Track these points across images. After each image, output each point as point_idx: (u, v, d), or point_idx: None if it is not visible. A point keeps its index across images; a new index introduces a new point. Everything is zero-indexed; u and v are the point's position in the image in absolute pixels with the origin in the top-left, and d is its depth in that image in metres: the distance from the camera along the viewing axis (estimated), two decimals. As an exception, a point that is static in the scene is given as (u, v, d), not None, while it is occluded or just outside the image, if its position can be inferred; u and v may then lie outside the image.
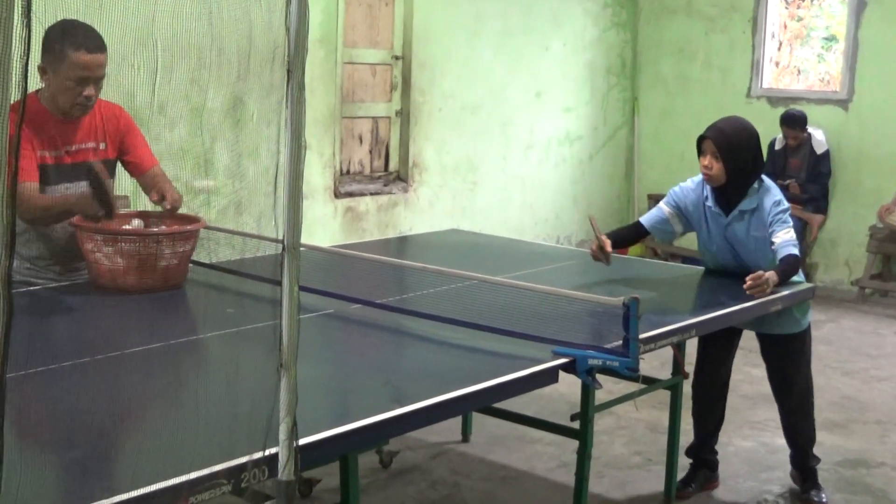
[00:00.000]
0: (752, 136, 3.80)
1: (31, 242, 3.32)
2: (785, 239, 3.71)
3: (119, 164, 3.53)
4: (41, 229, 3.31)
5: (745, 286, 3.58)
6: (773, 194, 3.82)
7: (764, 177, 3.86)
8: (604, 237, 3.81)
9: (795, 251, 3.72)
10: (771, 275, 3.60)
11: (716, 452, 4.20)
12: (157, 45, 2.42)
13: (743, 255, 3.87)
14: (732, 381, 4.04)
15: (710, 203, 3.87)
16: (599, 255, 3.80)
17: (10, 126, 1.36)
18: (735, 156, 3.73)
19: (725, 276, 3.92)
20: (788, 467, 4.19)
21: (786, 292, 3.75)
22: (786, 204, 3.82)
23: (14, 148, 1.37)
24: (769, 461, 4.45)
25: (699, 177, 3.89)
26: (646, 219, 4.07)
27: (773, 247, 3.74)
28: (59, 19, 3.09)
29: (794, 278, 3.82)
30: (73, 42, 3.11)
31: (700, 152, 3.81)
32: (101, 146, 3.41)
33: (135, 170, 3.54)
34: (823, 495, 4.05)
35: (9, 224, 1.38)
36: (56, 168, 3.28)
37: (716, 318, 3.49)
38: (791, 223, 3.78)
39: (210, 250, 3.64)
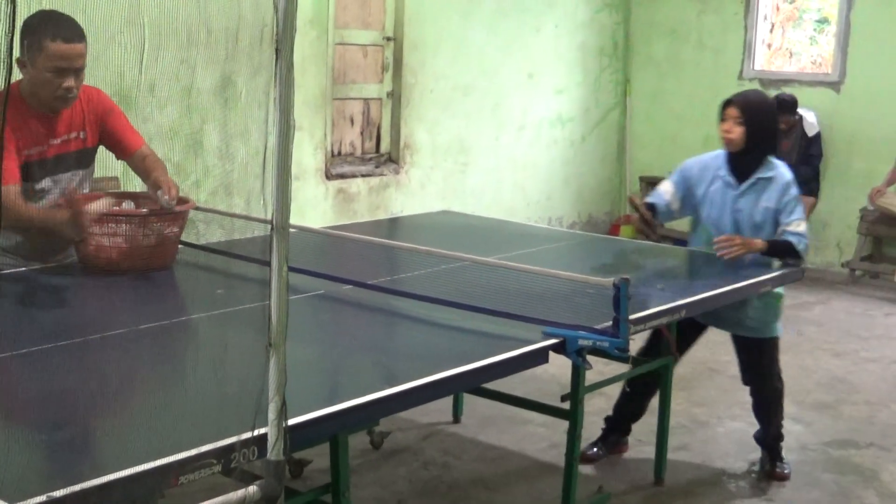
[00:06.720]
0: (773, 108, 4.06)
1: (9, 232, 3.21)
2: (797, 231, 3.85)
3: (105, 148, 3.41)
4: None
5: (714, 246, 3.79)
6: (788, 173, 3.95)
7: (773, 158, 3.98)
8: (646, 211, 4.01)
9: (801, 246, 3.84)
10: (758, 242, 3.79)
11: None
12: (145, 24, 2.40)
13: (745, 231, 3.91)
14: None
15: (722, 173, 3.96)
16: (644, 227, 4.04)
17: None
18: (756, 122, 3.86)
19: (715, 259, 3.93)
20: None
21: (775, 273, 3.79)
22: (797, 189, 3.94)
23: None
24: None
25: (717, 151, 4.03)
26: (652, 198, 4.16)
27: (780, 228, 3.87)
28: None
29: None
30: (50, 32, 3.00)
31: (722, 119, 3.92)
32: (81, 135, 3.31)
33: (121, 153, 3.43)
34: (786, 466, 4.13)
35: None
36: (39, 164, 3.19)
37: (706, 299, 3.50)
38: (803, 215, 3.90)
39: (199, 231, 3.63)
